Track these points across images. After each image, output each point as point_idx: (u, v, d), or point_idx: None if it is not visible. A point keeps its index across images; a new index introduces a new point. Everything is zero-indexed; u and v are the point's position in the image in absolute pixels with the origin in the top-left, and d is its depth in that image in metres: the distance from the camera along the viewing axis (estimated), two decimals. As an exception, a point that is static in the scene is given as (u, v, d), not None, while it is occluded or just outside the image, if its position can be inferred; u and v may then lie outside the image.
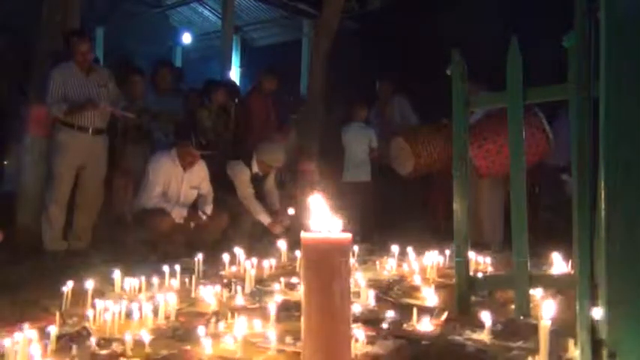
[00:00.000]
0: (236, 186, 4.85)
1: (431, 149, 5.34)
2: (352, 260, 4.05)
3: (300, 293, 2.62)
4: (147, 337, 2.35)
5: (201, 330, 2.45)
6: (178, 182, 4.55)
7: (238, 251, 4.05)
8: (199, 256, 3.86)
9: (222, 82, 6.03)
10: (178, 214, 4.45)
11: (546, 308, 2.10)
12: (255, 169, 4.91)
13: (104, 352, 2.28)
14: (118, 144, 4.73)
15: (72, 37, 4.38)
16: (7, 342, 2.11)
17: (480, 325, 2.51)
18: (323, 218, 1.69)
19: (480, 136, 4.43)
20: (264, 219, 4.85)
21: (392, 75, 6.43)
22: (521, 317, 2.68)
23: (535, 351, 2.08)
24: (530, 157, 4.37)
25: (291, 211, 4.98)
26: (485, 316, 2.49)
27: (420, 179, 5.82)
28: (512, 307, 2.81)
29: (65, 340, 2.35)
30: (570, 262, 3.38)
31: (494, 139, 4.35)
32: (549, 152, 4.53)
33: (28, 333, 2.22)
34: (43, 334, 2.31)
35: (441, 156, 5.26)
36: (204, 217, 4.43)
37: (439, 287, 3.41)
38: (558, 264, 3.64)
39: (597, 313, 1.55)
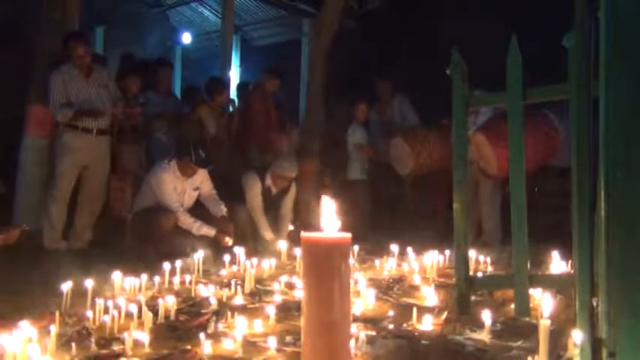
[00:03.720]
0: (246, 196, 4.83)
1: (430, 149, 5.35)
2: (352, 260, 4.05)
3: (300, 293, 2.63)
4: (147, 337, 2.35)
5: (201, 330, 2.46)
6: (183, 189, 4.53)
7: (238, 251, 4.06)
8: (199, 256, 3.87)
9: (227, 83, 6.04)
10: (201, 230, 4.40)
11: (545, 304, 2.10)
12: (269, 183, 4.89)
13: (104, 351, 2.28)
14: (114, 145, 4.72)
15: (69, 40, 4.38)
16: (6, 342, 2.11)
17: (480, 325, 2.51)
18: (323, 217, 1.69)
19: (502, 137, 4.40)
20: (268, 235, 4.82)
21: (392, 74, 6.42)
22: (521, 317, 2.68)
23: (535, 350, 2.08)
24: (549, 156, 4.37)
25: (290, 227, 4.99)
26: (486, 316, 2.49)
27: (422, 178, 5.83)
28: (512, 306, 2.81)
29: (65, 340, 2.35)
30: (570, 262, 3.38)
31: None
32: (561, 150, 4.51)
33: (27, 332, 2.22)
34: (43, 334, 2.31)
35: (440, 155, 5.28)
36: (230, 243, 4.41)
37: (439, 287, 3.42)
38: (558, 264, 3.64)
39: (597, 312, 1.56)
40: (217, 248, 4.38)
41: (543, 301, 2.13)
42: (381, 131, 5.95)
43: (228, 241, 4.39)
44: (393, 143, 5.53)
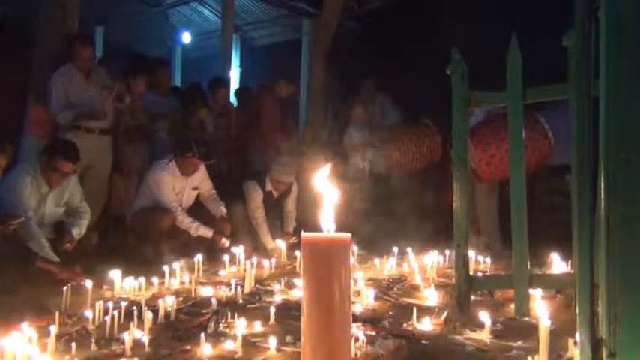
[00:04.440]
0: (247, 205, 4.83)
1: (404, 150, 5.46)
2: (352, 260, 4.05)
3: (300, 293, 2.63)
4: (147, 337, 2.35)
5: (201, 330, 2.46)
6: (182, 189, 4.53)
7: (238, 251, 4.06)
8: (199, 256, 3.87)
9: (225, 82, 6.04)
10: (199, 230, 4.40)
11: (541, 309, 2.11)
12: (269, 187, 4.89)
13: (104, 351, 2.28)
14: (119, 145, 4.72)
15: (75, 41, 4.39)
16: (6, 342, 2.11)
17: (480, 325, 2.51)
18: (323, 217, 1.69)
19: (483, 140, 4.42)
20: (268, 244, 4.83)
21: (391, 74, 6.42)
22: (521, 317, 2.68)
23: (535, 350, 2.08)
24: (534, 161, 4.39)
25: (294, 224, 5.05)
26: (485, 316, 2.50)
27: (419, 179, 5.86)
28: (512, 306, 2.81)
29: (65, 340, 2.35)
30: (570, 261, 3.38)
31: (498, 144, 4.31)
32: (550, 156, 4.52)
33: (27, 333, 2.22)
34: (43, 334, 2.31)
35: (414, 157, 5.49)
36: (227, 244, 4.40)
37: (439, 287, 3.42)
38: (558, 264, 3.64)
39: (597, 312, 1.56)
40: (215, 249, 4.39)
41: (539, 307, 2.13)
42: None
43: (225, 242, 4.40)
44: (374, 143, 5.65)
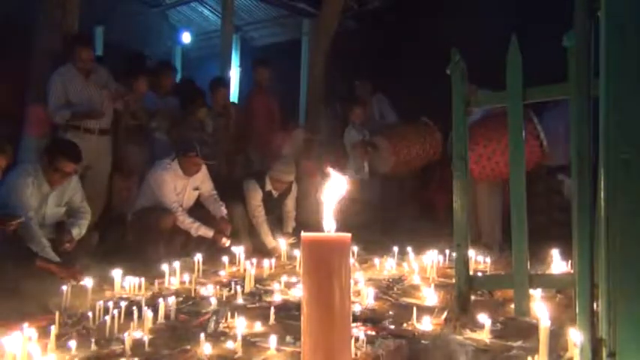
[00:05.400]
0: (247, 205, 4.84)
1: (409, 146, 5.46)
2: (352, 260, 4.05)
3: (300, 293, 2.63)
4: (147, 337, 2.35)
5: (201, 330, 2.46)
6: (183, 189, 4.53)
7: (238, 251, 4.06)
8: (199, 256, 3.87)
9: (225, 82, 6.04)
10: (199, 230, 4.40)
11: (541, 309, 2.11)
12: (269, 187, 4.90)
13: (104, 351, 2.28)
14: (120, 145, 4.72)
15: (75, 42, 4.39)
16: (7, 342, 2.11)
17: (480, 325, 2.51)
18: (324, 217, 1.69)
19: (473, 139, 4.42)
20: (269, 242, 4.83)
21: (391, 74, 6.43)
22: (521, 317, 2.68)
23: (535, 350, 2.08)
24: (530, 163, 4.38)
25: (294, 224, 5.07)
26: (485, 316, 2.50)
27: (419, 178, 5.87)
28: (512, 306, 2.81)
29: (65, 340, 2.35)
30: (570, 261, 3.38)
31: (485, 143, 4.31)
32: (543, 159, 4.51)
33: (27, 332, 2.22)
34: (43, 334, 2.31)
35: (418, 154, 5.46)
36: (227, 244, 4.40)
37: (439, 287, 3.42)
38: (558, 264, 3.64)
39: (597, 312, 1.56)
40: (215, 249, 4.39)
41: (539, 306, 2.13)
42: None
43: (226, 242, 4.40)
44: (374, 142, 5.64)
